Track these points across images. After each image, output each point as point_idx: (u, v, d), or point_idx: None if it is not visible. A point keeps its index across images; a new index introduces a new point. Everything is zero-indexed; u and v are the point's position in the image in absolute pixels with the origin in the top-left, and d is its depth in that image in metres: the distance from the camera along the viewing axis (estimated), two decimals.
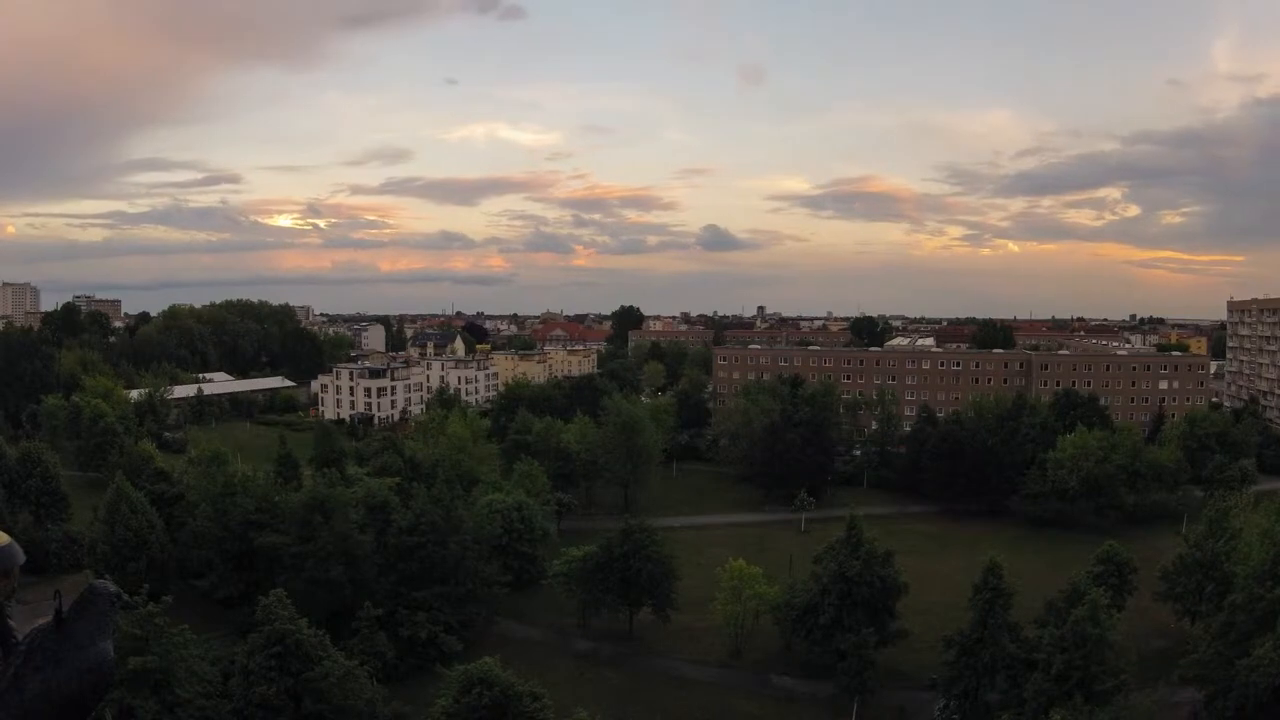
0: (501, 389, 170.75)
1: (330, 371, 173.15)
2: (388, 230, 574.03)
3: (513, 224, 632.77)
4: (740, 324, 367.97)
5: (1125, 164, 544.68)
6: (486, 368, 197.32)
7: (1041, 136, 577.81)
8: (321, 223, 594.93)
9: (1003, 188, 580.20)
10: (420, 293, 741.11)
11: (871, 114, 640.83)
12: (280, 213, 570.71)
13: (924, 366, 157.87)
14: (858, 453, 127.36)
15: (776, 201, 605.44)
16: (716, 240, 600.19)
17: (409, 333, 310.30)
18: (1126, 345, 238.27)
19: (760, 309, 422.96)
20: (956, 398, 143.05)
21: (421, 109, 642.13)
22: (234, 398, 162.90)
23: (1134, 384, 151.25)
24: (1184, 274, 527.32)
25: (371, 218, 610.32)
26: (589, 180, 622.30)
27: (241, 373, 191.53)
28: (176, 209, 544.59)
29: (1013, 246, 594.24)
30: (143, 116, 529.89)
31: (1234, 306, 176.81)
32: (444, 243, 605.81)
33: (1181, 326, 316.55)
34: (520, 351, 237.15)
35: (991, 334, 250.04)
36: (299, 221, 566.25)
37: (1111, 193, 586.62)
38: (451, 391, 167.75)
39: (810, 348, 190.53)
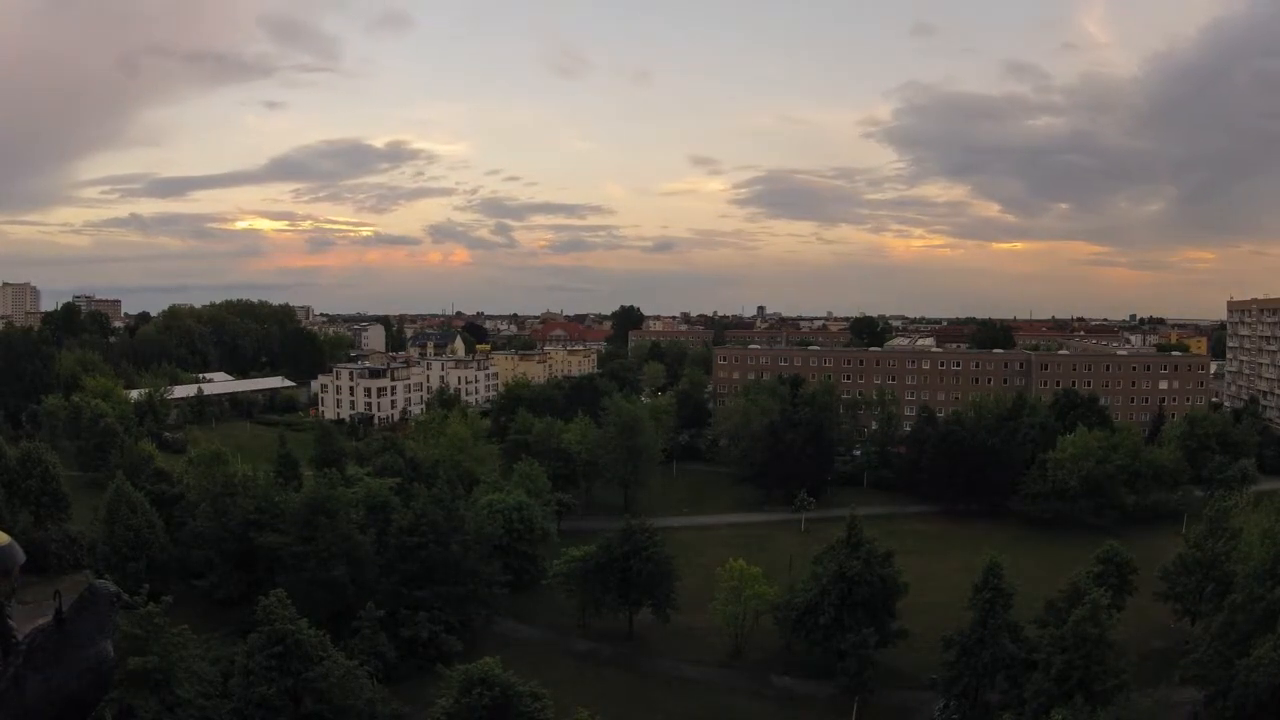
0: (501, 389, 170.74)
1: (330, 371, 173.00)
2: (317, 233, 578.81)
3: (446, 227, 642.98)
4: (740, 324, 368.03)
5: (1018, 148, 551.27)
6: (486, 368, 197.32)
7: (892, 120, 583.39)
8: (280, 225, 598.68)
9: (880, 180, 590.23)
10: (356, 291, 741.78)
11: (749, 114, 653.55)
12: (236, 220, 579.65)
13: (924, 366, 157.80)
14: (858, 453, 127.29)
15: (696, 201, 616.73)
16: (657, 242, 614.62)
17: (409, 333, 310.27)
18: (1126, 345, 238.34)
19: (760, 309, 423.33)
20: (956, 398, 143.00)
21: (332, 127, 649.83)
22: (234, 398, 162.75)
23: (1134, 384, 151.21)
24: (1147, 271, 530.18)
25: (307, 226, 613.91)
26: (498, 187, 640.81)
27: (241, 373, 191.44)
28: (131, 219, 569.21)
29: (961, 245, 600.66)
30: (82, 143, 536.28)
31: (1234, 306, 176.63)
32: (381, 243, 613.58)
33: (1181, 326, 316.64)
34: (520, 351, 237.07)
35: (991, 334, 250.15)
36: (254, 225, 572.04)
37: (1012, 183, 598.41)
38: (451, 391, 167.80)
39: (810, 348, 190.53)
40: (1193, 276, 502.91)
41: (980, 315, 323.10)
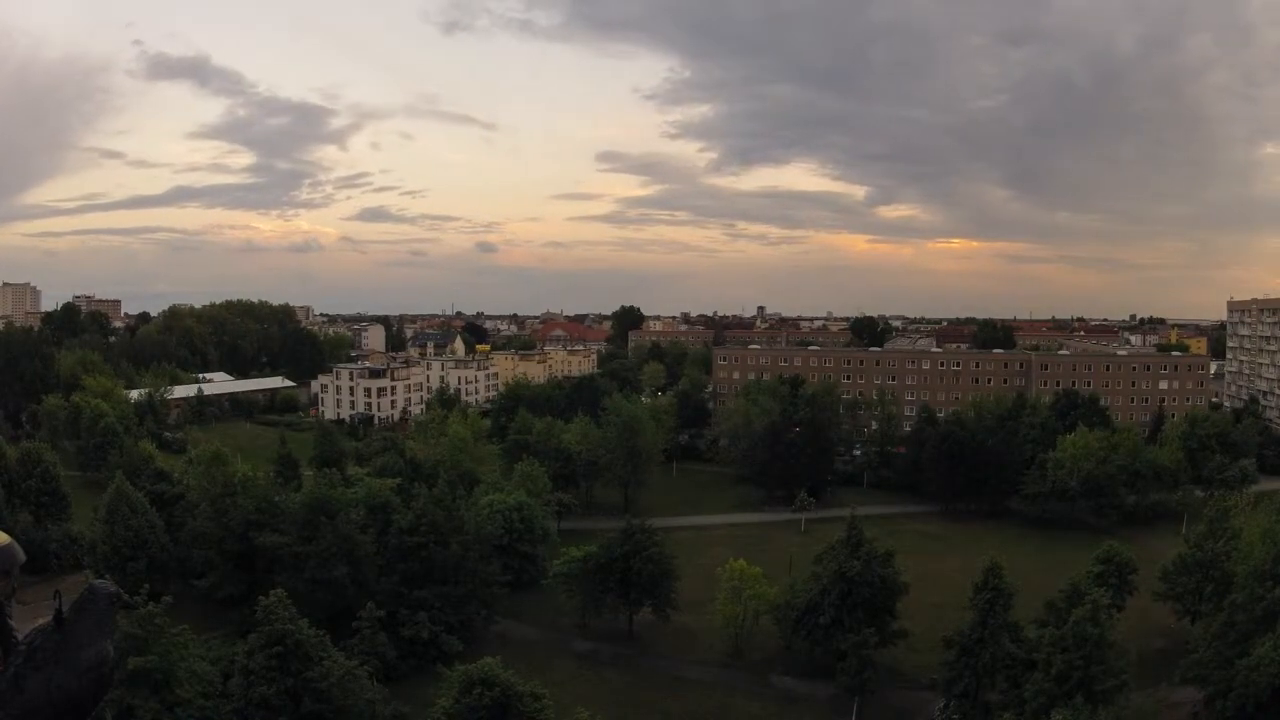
0: (502, 389, 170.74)
1: (330, 371, 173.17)
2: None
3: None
4: (740, 324, 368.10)
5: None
6: (486, 368, 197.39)
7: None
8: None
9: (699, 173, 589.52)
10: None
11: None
12: (185, 231, 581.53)
13: (924, 366, 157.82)
14: (858, 453, 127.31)
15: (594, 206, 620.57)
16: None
17: (409, 333, 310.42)
18: (1127, 345, 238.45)
19: (760, 309, 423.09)
20: (956, 398, 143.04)
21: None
22: (234, 398, 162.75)
23: (1134, 384, 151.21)
24: (1085, 269, 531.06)
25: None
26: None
27: (241, 373, 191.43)
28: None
29: (908, 243, 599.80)
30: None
31: (1234, 306, 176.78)
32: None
33: (1182, 326, 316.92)
34: (520, 351, 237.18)
35: (991, 334, 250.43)
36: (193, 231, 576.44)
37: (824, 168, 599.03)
38: (452, 391, 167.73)
39: (810, 348, 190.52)
40: (1146, 274, 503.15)
41: (946, 315, 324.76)
